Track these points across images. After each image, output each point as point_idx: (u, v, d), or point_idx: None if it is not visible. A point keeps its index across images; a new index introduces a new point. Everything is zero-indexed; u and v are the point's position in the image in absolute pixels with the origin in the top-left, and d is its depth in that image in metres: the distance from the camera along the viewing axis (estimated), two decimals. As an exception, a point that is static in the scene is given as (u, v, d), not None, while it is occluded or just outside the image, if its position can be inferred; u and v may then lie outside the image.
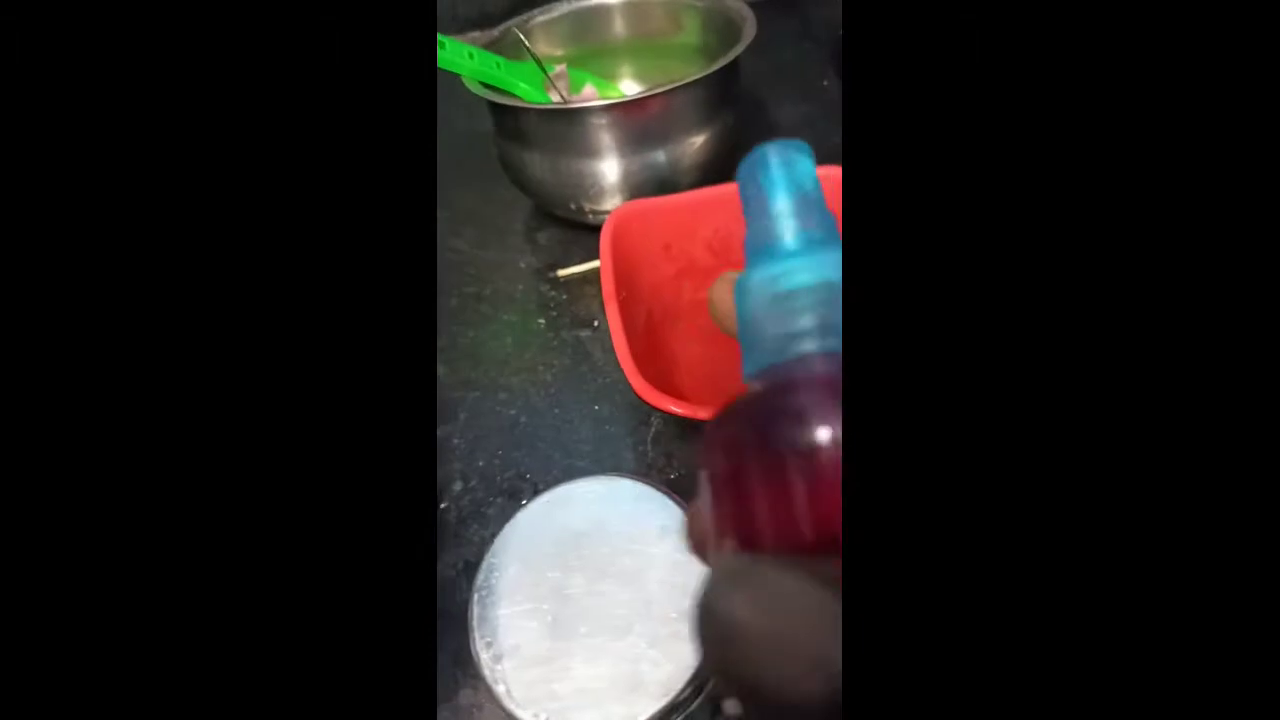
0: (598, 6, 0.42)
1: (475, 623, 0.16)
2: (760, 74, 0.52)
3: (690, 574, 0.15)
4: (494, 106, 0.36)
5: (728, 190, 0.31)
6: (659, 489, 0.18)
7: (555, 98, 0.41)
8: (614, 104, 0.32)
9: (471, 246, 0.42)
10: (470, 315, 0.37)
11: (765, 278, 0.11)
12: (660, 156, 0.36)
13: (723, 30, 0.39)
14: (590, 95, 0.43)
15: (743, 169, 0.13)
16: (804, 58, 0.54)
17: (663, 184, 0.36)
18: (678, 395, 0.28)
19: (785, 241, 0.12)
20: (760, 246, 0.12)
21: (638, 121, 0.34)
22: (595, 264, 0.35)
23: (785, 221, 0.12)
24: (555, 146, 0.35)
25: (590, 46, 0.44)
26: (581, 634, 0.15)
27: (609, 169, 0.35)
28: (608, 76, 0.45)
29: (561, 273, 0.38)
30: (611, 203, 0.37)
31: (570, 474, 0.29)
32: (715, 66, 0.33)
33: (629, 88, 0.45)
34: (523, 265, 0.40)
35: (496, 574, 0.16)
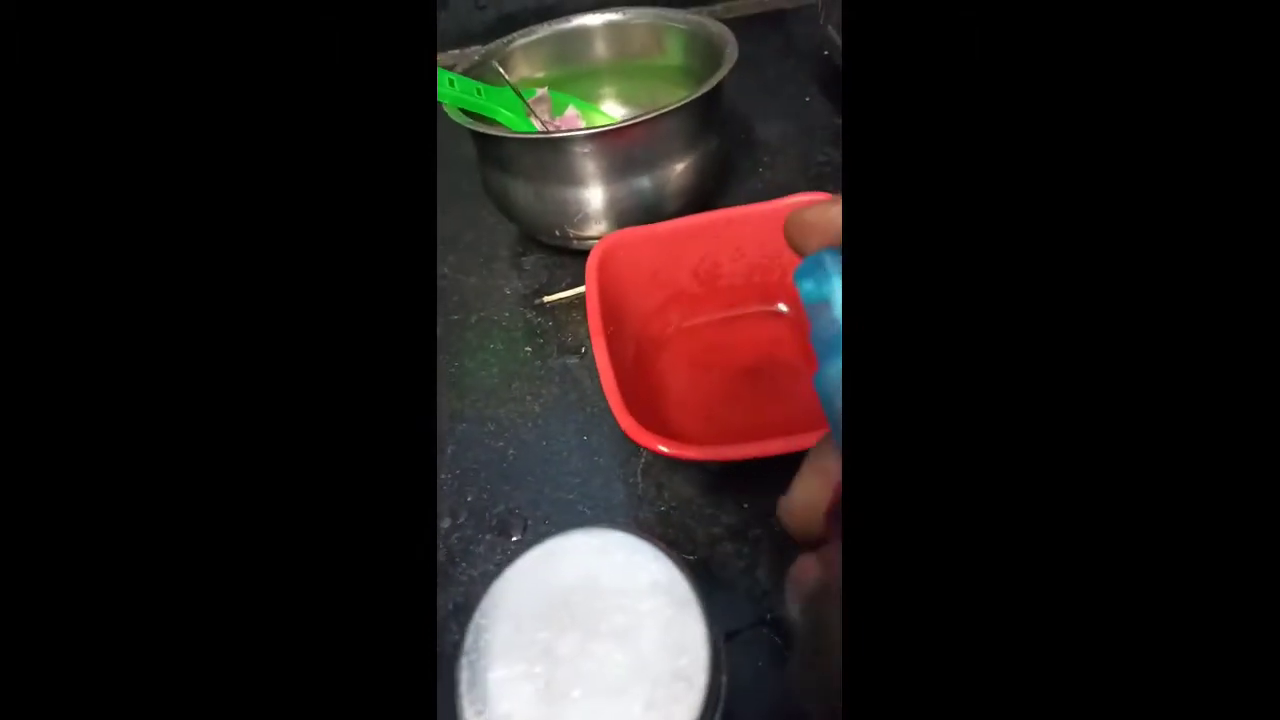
0: (578, 28, 0.42)
1: (464, 689, 0.15)
2: (744, 92, 0.53)
3: (682, 631, 0.15)
4: (476, 135, 0.35)
5: (714, 218, 0.31)
6: (650, 541, 0.17)
7: (537, 123, 0.41)
8: (597, 132, 0.32)
9: (456, 272, 0.41)
10: (456, 344, 0.37)
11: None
12: (645, 183, 0.35)
13: (704, 52, 0.39)
14: (573, 118, 0.43)
15: (802, 271, 0.14)
16: (787, 75, 0.54)
17: (648, 210, 0.36)
18: (666, 427, 0.28)
19: None
20: (830, 340, 0.13)
21: (621, 149, 0.34)
22: (582, 289, 0.35)
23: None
24: (539, 174, 0.35)
25: (572, 69, 0.43)
26: (575, 698, 0.15)
27: (593, 196, 0.35)
28: (590, 98, 0.44)
29: (548, 299, 0.38)
30: (597, 229, 0.36)
31: (560, 508, 0.28)
32: (699, 92, 0.33)
33: (612, 109, 0.45)
34: (508, 291, 0.40)
35: (486, 635, 0.16)
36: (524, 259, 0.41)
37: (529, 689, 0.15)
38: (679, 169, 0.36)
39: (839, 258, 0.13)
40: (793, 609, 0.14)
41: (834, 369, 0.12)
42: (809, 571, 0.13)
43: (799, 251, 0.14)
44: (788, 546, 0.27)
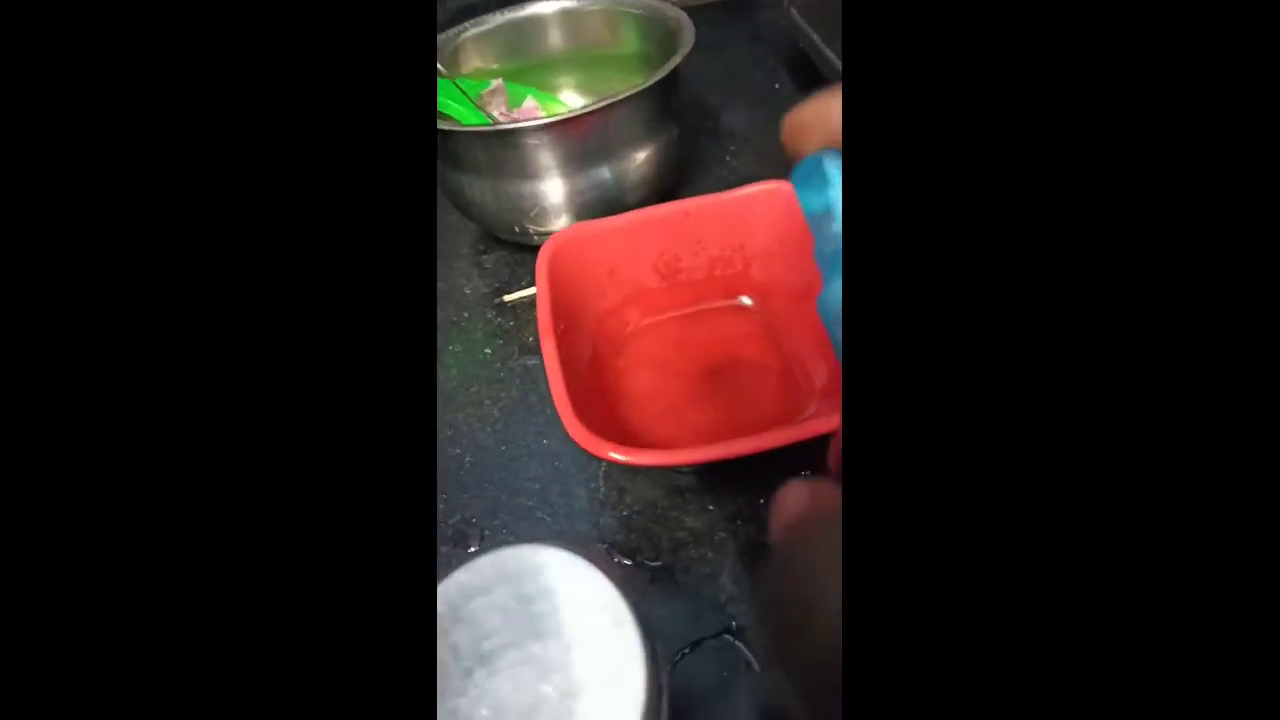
0: (531, 17, 0.41)
1: None
2: (710, 80, 0.51)
3: (618, 651, 0.14)
4: (426, 128, 0.34)
5: (672, 210, 0.30)
6: (588, 558, 0.16)
7: (495, 113, 0.40)
8: (551, 122, 0.31)
9: (415, 273, 0.40)
10: (414, 348, 0.35)
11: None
12: (605, 174, 0.34)
13: (662, 39, 0.38)
14: (532, 109, 0.42)
15: (798, 177, 0.12)
16: (754, 61, 0.53)
17: (609, 203, 0.35)
18: (625, 430, 0.27)
19: None
20: (833, 256, 0.11)
21: (578, 139, 0.32)
22: (542, 288, 0.34)
23: None
24: (492, 169, 0.34)
25: (528, 60, 0.42)
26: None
27: (551, 189, 0.34)
28: (548, 89, 0.43)
29: (508, 297, 0.37)
30: (558, 223, 0.35)
31: (518, 516, 0.27)
32: (653, 78, 0.32)
33: (571, 99, 0.44)
34: (469, 291, 0.38)
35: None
36: (484, 257, 0.40)
37: (455, 707, 0.14)
38: (639, 159, 0.35)
39: (840, 160, 0.11)
40: (775, 541, 0.13)
41: (838, 288, 0.11)
42: (796, 499, 0.12)
43: (796, 156, 0.13)
44: (754, 550, 0.26)
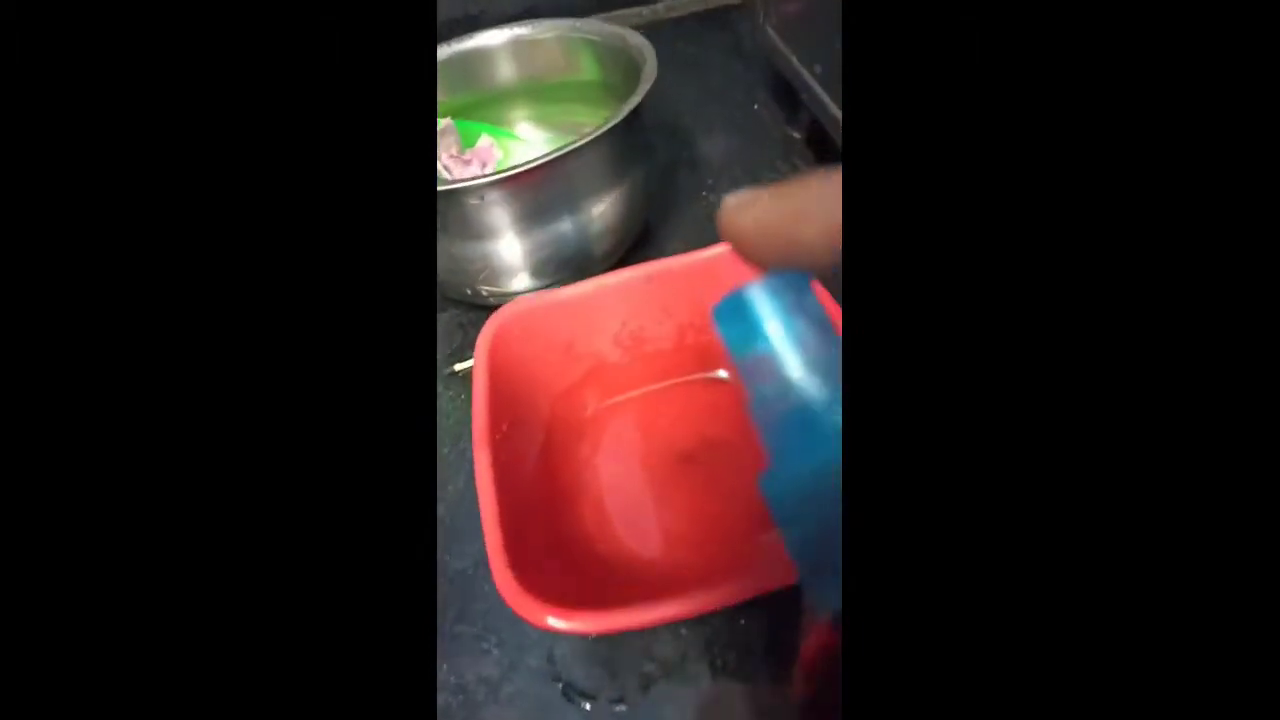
0: (479, 49, 0.37)
1: None
2: (685, 101, 0.47)
3: None
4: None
5: (632, 277, 0.26)
6: None
7: (444, 158, 0.36)
8: (500, 178, 0.27)
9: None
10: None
11: (817, 466, 0.09)
12: (565, 226, 0.30)
13: (623, 65, 0.34)
14: (487, 148, 0.38)
15: (721, 312, 0.11)
16: (733, 80, 0.49)
17: (572, 260, 0.31)
18: (582, 544, 0.23)
19: (818, 412, 0.09)
20: (782, 425, 0.10)
21: (532, 194, 0.28)
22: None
23: (805, 384, 0.10)
24: (441, 229, 0.30)
25: (480, 93, 0.38)
26: None
27: (505, 249, 0.30)
28: (502, 123, 0.39)
29: (458, 367, 0.33)
30: (516, 282, 0.31)
31: (461, 647, 0.24)
32: (614, 119, 0.28)
33: (527, 133, 0.40)
34: (418, 357, 0.34)
35: None
36: (436, 317, 0.36)
37: None
38: (603, 207, 0.31)
39: (786, 284, 0.10)
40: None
41: (790, 469, 0.09)
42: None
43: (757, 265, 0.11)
44: (737, 680, 0.23)
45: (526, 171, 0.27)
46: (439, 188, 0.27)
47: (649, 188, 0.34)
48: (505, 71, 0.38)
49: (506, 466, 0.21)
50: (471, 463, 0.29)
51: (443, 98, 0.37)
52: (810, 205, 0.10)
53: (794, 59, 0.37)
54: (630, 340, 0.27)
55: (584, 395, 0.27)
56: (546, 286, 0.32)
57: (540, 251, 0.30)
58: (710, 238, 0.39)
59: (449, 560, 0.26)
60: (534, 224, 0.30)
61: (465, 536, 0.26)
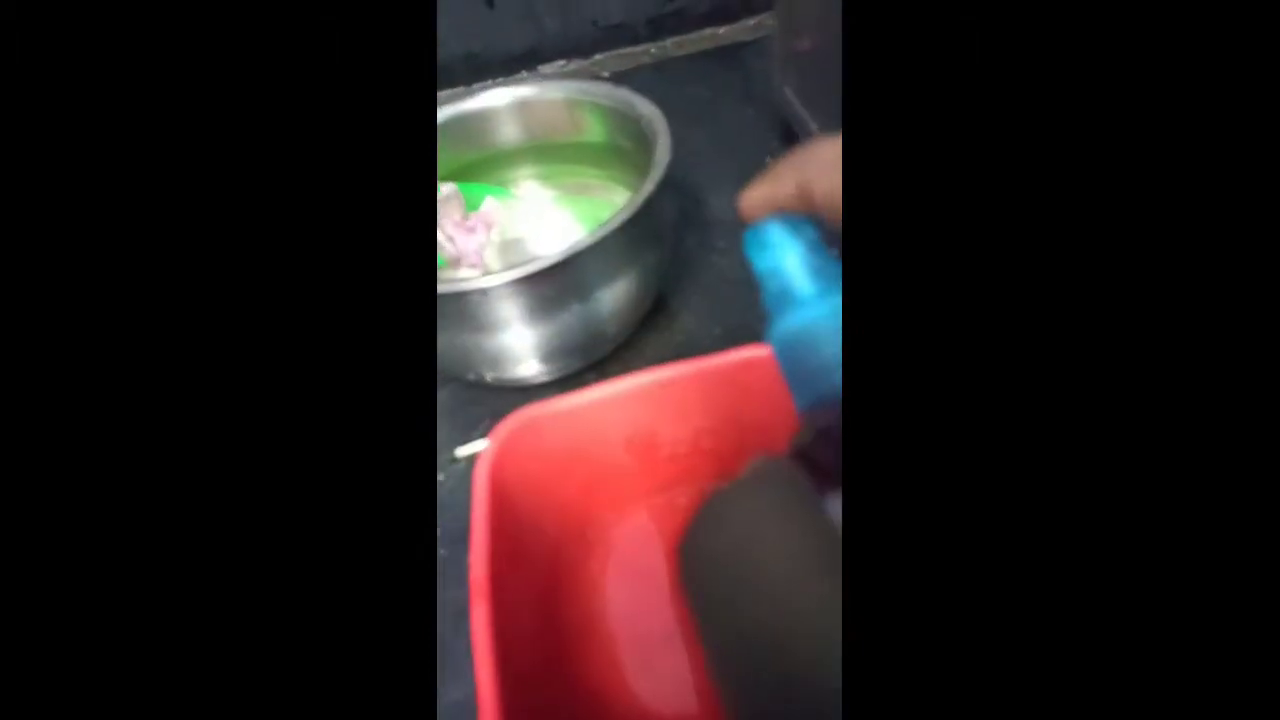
0: (483, 110, 0.35)
1: None
2: (694, 151, 0.45)
3: None
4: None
5: (643, 384, 0.24)
6: None
7: (441, 229, 0.34)
8: (512, 280, 0.25)
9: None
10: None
11: (797, 322, 0.13)
12: (575, 314, 0.28)
13: (633, 132, 0.32)
14: (491, 210, 0.36)
15: (750, 240, 0.14)
16: (744, 127, 0.47)
17: (582, 347, 0.29)
18: (589, 694, 0.21)
19: (804, 290, 0.13)
20: (782, 298, 0.14)
21: (542, 288, 0.27)
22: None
23: (800, 275, 0.13)
24: (441, 321, 0.28)
25: (482, 152, 0.36)
26: None
27: (514, 340, 0.28)
28: (506, 183, 0.37)
29: (460, 452, 0.31)
30: (523, 369, 0.30)
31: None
32: (628, 211, 0.26)
33: (532, 192, 0.38)
34: (416, 438, 0.33)
35: None
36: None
37: None
38: (614, 293, 0.29)
39: (788, 227, 0.14)
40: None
41: (786, 323, 0.13)
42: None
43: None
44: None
45: (539, 273, 0.25)
46: (443, 289, 0.25)
47: (662, 268, 0.32)
48: (509, 132, 0.36)
49: (507, 614, 0.19)
50: (466, 572, 0.27)
51: (444, 158, 0.35)
52: (815, 171, 0.13)
53: (814, 126, 0.36)
54: (643, 445, 0.25)
55: (591, 505, 0.25)
56: (554, 371, 0.30)
57: (550, 341, 0.29)
58: (726, 306, 0.37)
59: (443, 688, 0.24)
60: (543, 315, 0.28)
61: (458, 662, 0.24)
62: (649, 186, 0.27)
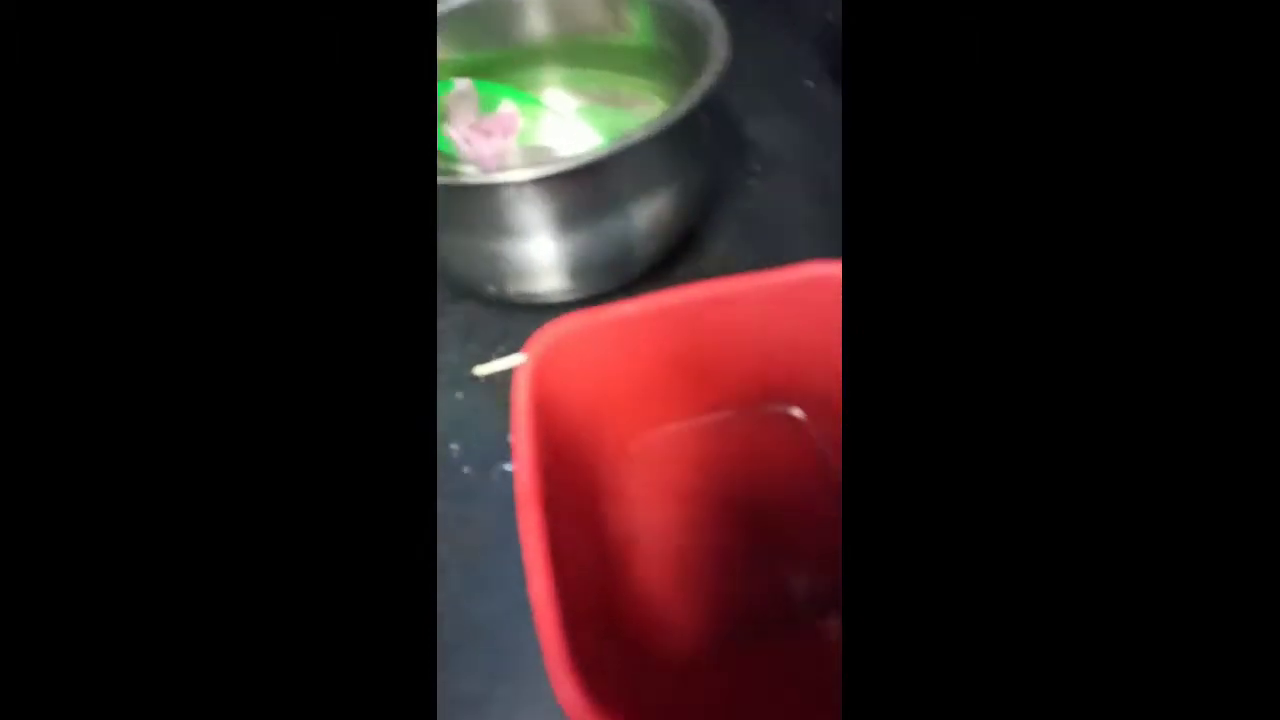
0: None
1: None
2: (736, 73, 0.42)
3: None
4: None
5: (694, 298, 0.22)
6: None
7: (454, 133, 0.31)
8: (539, 177, 0.22)
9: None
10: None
11: None
12: (607, 229, 0.26)
13: (681, 33, 0.29)
14: (510, 115, 0.33)
15: None
16: (782, 53, 0.44)
17: (610, 263, 0.27)
18: (633, 605, 0.20)
19: None
20: None
21: (571, 193, 0.24)
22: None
23: None
24: (458, 224, 0.25)
25: (504, 49, 0.33)
26: None
27: (539, 251, 0.26)
28: (529, 86, 0.34)
29: (480, 370, 0.29)
30: (546, 284, 0.27)
31: (482, 710, 0.21)
32: (676, 114, 0.23)
33: (558, 101, 0.35)
34: (430, 357, 0.30)
35: None
36: (452, 306, 0.32)
37: None
38: (650, 210, 0.27)
39: None
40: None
41: None
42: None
43: None
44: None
45: (569, 173, 0.22)
46: (463, 180, 0.22)
47: (705, 190, 0.29)
48: (537, 25, 0.32)
49: (553, 523, 0.18)
50: (501, 485, 0.25)
51: (460, 54, 0.32)
52: None
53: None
54: (690, 362, 0.24)
55: (634, 420, 0.24)
56: (580, 290, 0.28)
57: (576, 254, 0.26)
58: (761, 232, 0.35)
59: (475, 609, 0.23)
60: (573, 225, 0.25)
61: (491, 582, 0.23)
62: (704, 84, 0.24)
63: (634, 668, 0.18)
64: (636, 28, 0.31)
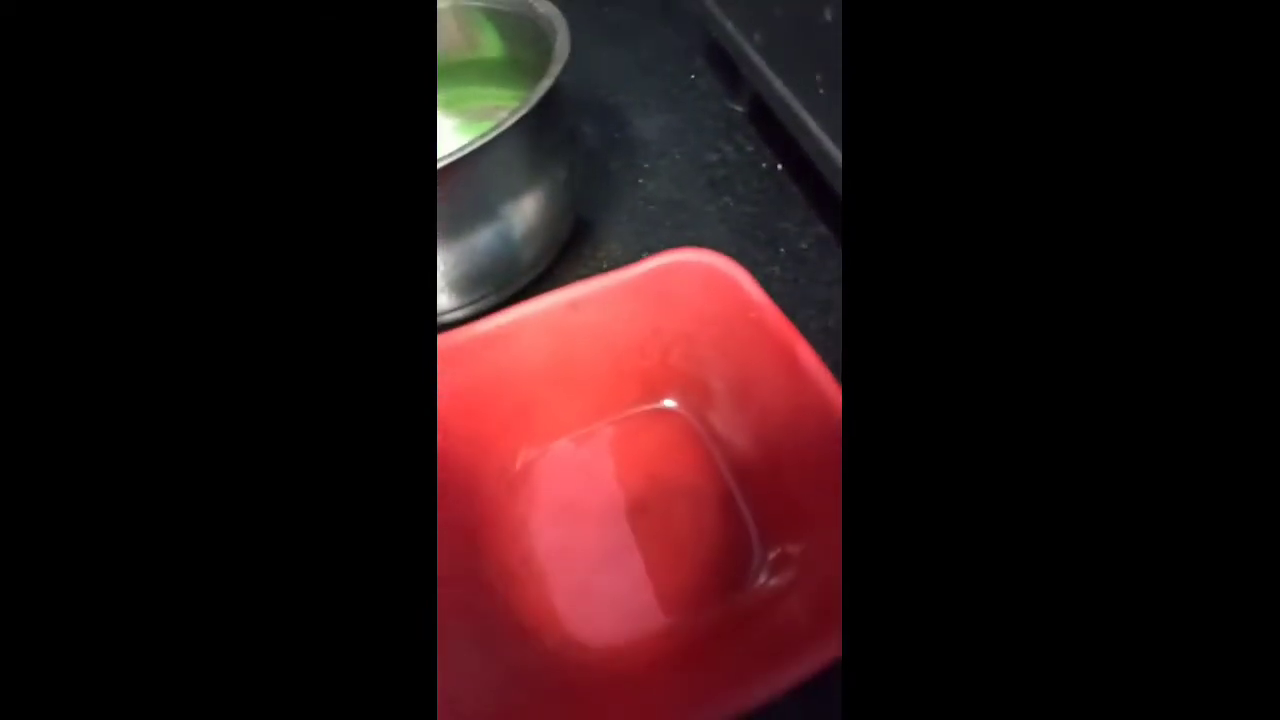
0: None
1: None
2: (614, 74, 0.42)
3: None
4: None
5: (554, 303, 0.22)
6: None
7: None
8: None
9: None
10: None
11: None
12: (483, 236, 0.26)
13: (532, 40, 0.29)
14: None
15: None
16: (665, 47, 0.44)
17: (493, 271, 0.27)
18: (522, 633, 0.20)
19: None
20: None
21: (439, 201, 0.24)
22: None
23: None
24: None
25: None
26: None
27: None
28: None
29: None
30: (440, 302, 0.27)
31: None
32: (523, 109, 0.23)
33: (437, 121, 0.34)
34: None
35: None
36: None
37: None
38: (522, 210, 0.27)
39: None
40: None
41: None
42: None
43: None
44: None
45: None
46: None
47: (575, 182, 0.29)
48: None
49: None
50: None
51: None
52: None
53: (729, 25, 0.33)
54: (558, 372, 0.23)
55: (512, 443, 0.23)
56: (470, 304, 0.28)
57: (458, 266, 0.26)
58: (654, 229, 0.35)
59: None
60: (446, 236, 0.25)
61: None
62: (547, 81, 0.24)
63: (554, 678, 0.18)
64: (489, 43, 0.31)
